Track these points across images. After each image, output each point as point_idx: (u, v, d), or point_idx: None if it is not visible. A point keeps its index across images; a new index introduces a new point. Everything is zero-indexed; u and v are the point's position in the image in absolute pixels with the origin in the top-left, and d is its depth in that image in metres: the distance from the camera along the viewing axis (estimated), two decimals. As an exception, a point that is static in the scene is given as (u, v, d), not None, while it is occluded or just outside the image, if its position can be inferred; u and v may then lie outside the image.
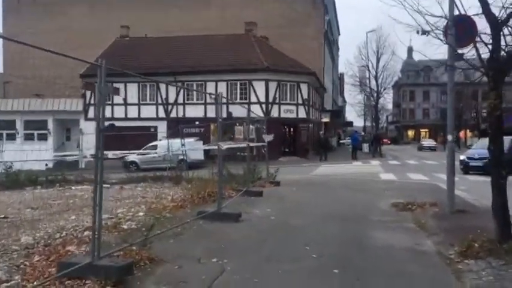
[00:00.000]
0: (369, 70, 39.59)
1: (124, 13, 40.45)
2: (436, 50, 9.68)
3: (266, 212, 8.97)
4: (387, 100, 58.67)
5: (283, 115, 30.76)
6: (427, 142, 62.70)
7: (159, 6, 42.19)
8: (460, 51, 8.65)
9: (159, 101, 31.89)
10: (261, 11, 43.19)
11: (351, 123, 75.19)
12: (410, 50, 78.76)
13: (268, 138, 14.56)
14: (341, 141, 62.72)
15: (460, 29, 8.45)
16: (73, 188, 15.34)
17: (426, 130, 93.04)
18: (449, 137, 8.63)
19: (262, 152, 16.26)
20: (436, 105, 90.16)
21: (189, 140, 23.41)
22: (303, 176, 18.43)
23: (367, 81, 40.49)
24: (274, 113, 30.38)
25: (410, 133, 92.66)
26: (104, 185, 16.31)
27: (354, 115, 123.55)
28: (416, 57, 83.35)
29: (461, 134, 68.93)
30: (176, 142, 20.92)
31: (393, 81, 45.56)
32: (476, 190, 12.18)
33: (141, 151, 25.44)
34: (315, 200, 10.91)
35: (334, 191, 12.72)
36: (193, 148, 23.44)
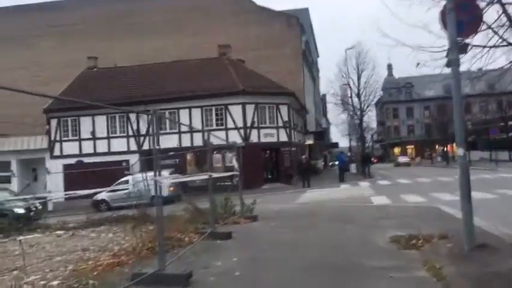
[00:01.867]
0: (350, 88, 38.07)
1: (94, 43, 38.75)
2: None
3: (231, 264, 6.86)
4: (371, 118, 57.19)
5: (263, 139, 28.83)
6: (403, 159, 68.30)
7: (130, 34, 40.63)
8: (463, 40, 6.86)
9: (130, 133, 29.77)
10: (236, 34, 41.83)
11: (336, 144, 73.68)
12: (390, 67, 78.73)
13: (237, 165, 12.48)
14: (330, 163, 61.22)
15: (461, 14, 6.68)
16: (18, 238, 13.05)
17: (412, 146, 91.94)
18: (461, 151, 6.69)
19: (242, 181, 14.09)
20: (420, 121, 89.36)
21: (165, 173, 21.21)
22: (286, 206, 16.35)
23: (350, 99, 38.91)
24: (254, 138, 28.47)
25: (397, 150, 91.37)
26: (57, 232, 14.10)
27: (339, 135, 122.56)
28: (397, 74, 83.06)
29: (449, 148, 68.01)
30: (150, 175, 18.67)
31: (376, 97, 44.02)
32: (489, 212, 10.25)
33: (111, 188, 23.19)
34: (297, 240, 8.83)
35: (320, 224, 10.66)
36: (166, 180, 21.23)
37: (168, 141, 27.45)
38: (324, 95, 73.57)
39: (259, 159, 28.66)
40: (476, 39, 7.18)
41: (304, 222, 11.15)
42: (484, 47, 6.83)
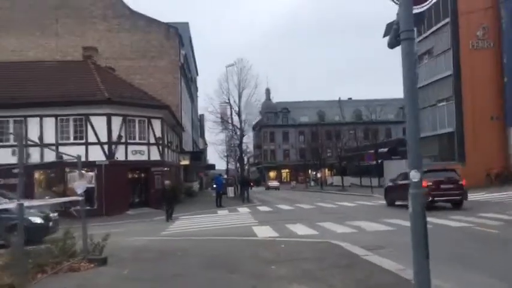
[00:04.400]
0: (230, 105, 35.92)
1: None
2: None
3: None
4: (249, 140, 55.88)
5: (131, 157, 25.06)
6: (273, 183, 71.26)
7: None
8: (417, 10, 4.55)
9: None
10: (107, 40, 37.72)
11: (213, 166, 71.41)
12: (268, 91, 79.17)
13: (80, 187, 8.97)
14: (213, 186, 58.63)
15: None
16: None
17: (287, 171, 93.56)
18: (415, 175, 4.27)
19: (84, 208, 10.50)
20: (295, 145, 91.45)
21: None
22: (151, 240, 13.06)
23: (230, 117, 36.72)
24: (120, 156, 24.59)
25: (272, 174, 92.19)
26: None
27: (216, 157, 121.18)
28: (275, 99, 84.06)
29: (321, 173, 69.82)
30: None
31: (258, 118, 42.58)
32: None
33: None
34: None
35: (194, 273, 7.66)
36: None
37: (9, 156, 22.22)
38: (202, 115, 71.25)
39: (126, 180, 24.82)
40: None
41: (172, 269, 8.06)
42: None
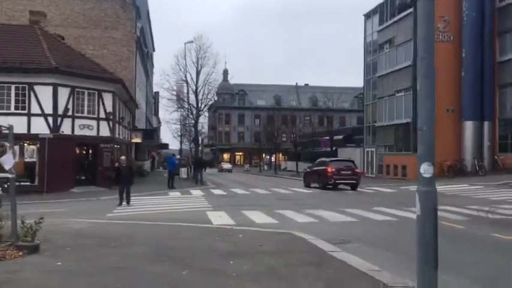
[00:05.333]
0: (187, 84, 34.45)
1: None
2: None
3: None
4: (205, 121, 54.53)
5: (78, 132, 23.43)
6: (226, 165, 71.21)
7: None
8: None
9: None
10: (56, 6, 35.32)
11: (166, 146, 69.62)
12: (225, 73, 77.78)
13: (7, 162, 7.74)
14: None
15: None
16: None
17: (241, 153, 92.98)
18: (427, 169, 3.48)
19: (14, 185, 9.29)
20: (250, 128, 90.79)
21: None
22: (94, 223, 11.89)
23: (186, 96, 35.27)
24: (66, 130, 22.92)
25: (226, 156, 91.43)
26: None
27: (170, 137, 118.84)
28: (232, 80, 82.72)
29: (275, 157, 69.54)
30: None
31: (215, 97, 41.32)
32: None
33: None
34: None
35: (140, 267, 6.67)
36: None
37: None
38: (157, 93, 68.96)
39: (71, 156, 23.21)
40: None
41: (114, 260, 7.05)
42: None
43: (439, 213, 12.15)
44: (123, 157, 18.71)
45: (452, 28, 31.41)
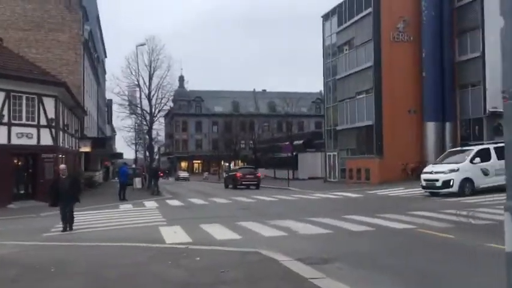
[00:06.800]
0: (140, 88, 32.39)
1: None
2: None
3: None
4: (161, 127, 52.19)
5: (15, 141, 21.01)
6: (183, 174, 70.98)
7: None
8: None
9: None
10: (-2, 7, 32.72)
11: (120, 155, 66.55)
12: (181, 79, 75.56)
13: None
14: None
15: None
16: None
17: (199, 161, 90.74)
18: None
19: None
20: (208, 136, 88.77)
21: None
22: (23, 245, 9.99)
23: (139, 100, 33.17)
24: (1, 138, 20.53)
25: (184, 165, 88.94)
26: None
27: (124, 145, 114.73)
28: (188, 87, 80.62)
29: (233, 164, 67.94)
30: None
31: (170, 102, 39.31)
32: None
33: None
34: None
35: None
36: None
37: None
38: (110, 101, 66.00)
39: (8, 168, 20.78)
40: None
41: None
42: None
43: (416, 220, 10.97)
44: (62, 165, 14.16)
45: (411, 28, 30.95)
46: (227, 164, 72.89)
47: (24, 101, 21.44)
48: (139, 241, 9.89)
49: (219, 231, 11.14)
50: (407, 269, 6.87)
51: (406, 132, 29.82)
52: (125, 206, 20.50)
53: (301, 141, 51.16)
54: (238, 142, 68.29)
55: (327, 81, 40.03)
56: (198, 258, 7.59)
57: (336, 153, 37.11)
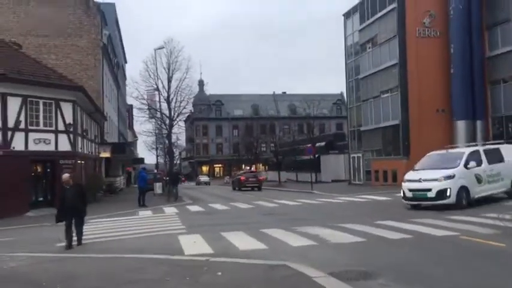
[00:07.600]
0: (159, 91, 31.86)
1: None
2: None
3: None
4: (181, 130, 51.61)
5: (33, 147, 20.60)
6: (203, 178, 69.49)
7: None
8: None
9: None
10: (16, 14, 32.83)
11: (141, 160, 66.39)
12: (201, 83, 75.21)
13: None
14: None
15: None
16: None
17: (220, 165, 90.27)
18: None
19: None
20: (229, 139, 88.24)
21: None
22: (36, 256, 9.39)
23: (158, 104, 32.64)
24: (18, 145, 20.14)
25: (205, 169, 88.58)
26: None
27: (144, 149, 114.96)
28: (208, 91, 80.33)
29: (254, 168, 67.12)
30: None
31: (190, 105, 38.69)
32: None
33: None
34: None
35: None
36: None
37: None
38: (131, 106, 65.96)
39: (25, 175, 20.35)
40: None
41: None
42: None
43: (459, 226, 9.86)
44: (65, 175, 11.97)
45: (438, 23, 29.70)
46: (248, 168, 72.16)
47: (41, 106, 21.02)
48: (156, 252, 9.13)
49: (242, 240, 10.30)
50: (465, 286, 5.91)
51: (434, 132, 28.51)
52: (144, 213, 19.85)
53: (323, 143, 50.04)
54: (259, 145, 67.44)
55: (349, 81, 38.96)
56: (220, 273, 6.78)
57: (360, 154, 35.97)
